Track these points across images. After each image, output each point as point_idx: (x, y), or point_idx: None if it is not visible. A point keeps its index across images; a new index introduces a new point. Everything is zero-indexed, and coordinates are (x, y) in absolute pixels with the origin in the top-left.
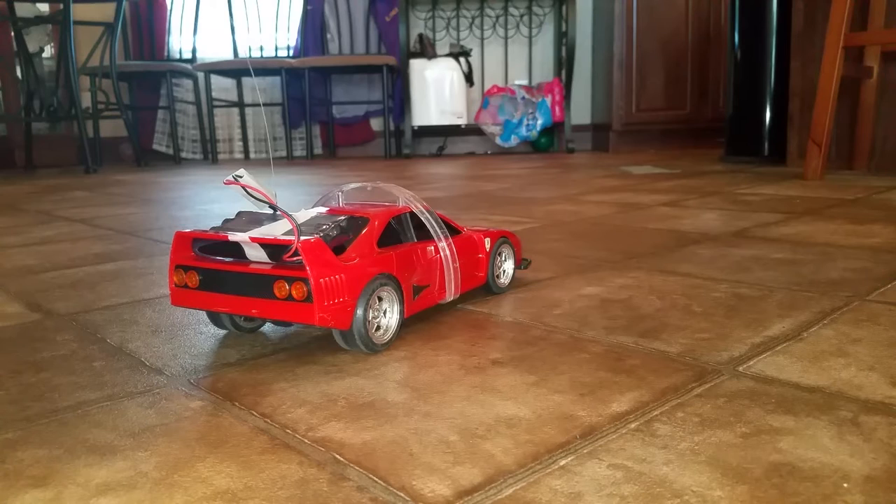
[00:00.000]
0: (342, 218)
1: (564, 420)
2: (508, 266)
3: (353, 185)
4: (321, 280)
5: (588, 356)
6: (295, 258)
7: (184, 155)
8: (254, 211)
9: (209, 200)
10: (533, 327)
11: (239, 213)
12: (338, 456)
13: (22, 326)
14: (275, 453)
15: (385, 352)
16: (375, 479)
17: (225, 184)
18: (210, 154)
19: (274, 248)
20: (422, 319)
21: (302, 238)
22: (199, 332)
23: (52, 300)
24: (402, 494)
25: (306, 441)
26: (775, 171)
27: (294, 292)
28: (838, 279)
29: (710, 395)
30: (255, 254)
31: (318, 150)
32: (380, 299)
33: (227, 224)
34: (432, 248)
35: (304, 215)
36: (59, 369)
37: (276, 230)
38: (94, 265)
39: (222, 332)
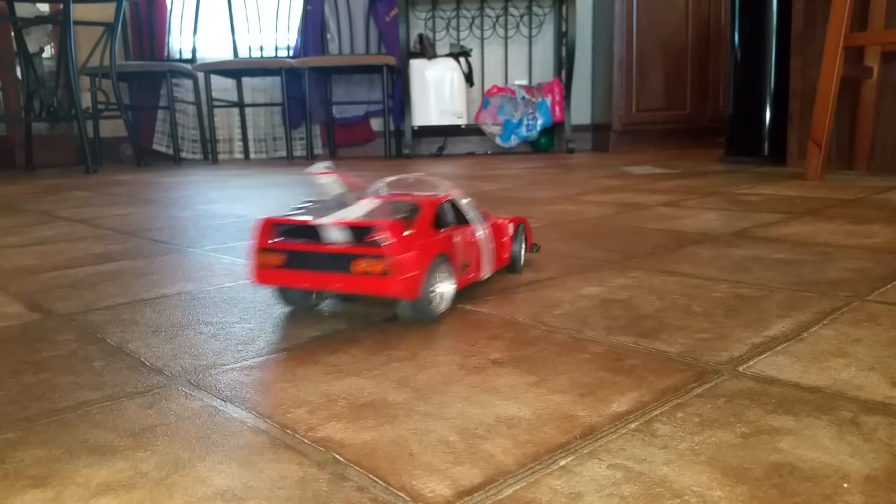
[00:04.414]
0: (407, 203)
1: (564, 420)
2: (523, 249)
3: (398, 177)
4: (398, 257)
5: (588, 356)
6: (375, 238)
7: (184, 155)
8: (316, 200)
9: (209, 201)
10: (533, 327)
11: (303, 203)
12: (338, 456)
13: (22, 326)
14: (275, 453)
15: (384, 352)
16: (375, 479)
17: (309, 174)
18: (210, 154)
19: (353, 231)
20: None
21: (383, 221)
22: (199, 333)
23: (51, 300)
24: (402, 494)
25: (306, 441)
26: (775, 171)
27: (374, 268)
28: (838, 279)
29: (710, 395)
30: (336, 236)
31: (318, 150)
32: (439, 274)
33: (300, 211)
34: (470, 231)
35: (370, 203)
36: (59, 369)
37: (350, 215)
38: (94, 265)
39: (221, 332)
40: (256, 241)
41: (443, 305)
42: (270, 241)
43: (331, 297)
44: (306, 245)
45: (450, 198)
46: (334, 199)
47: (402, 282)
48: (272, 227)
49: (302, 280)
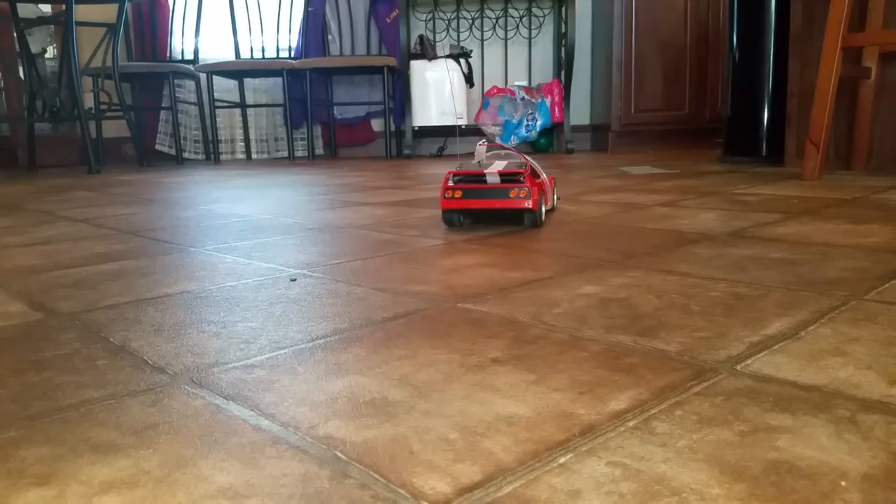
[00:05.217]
0: (519, 161)
1: (564, 418)
2: (555, 196)
3: (495, 152)
4: (531, 188)
5: (587, 355)
6: (519, 178)
7: (186, 155)
8: (465, 163)
9: (211, 200)
10: (532, 326)
11: (461, 164)
12: (339, 454)
13: (25, 326)
14: (276, 451)
15: (385, 350)
16: (377, 476)
17: (480, 145)
18: (212, 154)
19: (503, 175)
20: (423, 318)
21: (522, 169)
22: (202, 331)
23: (54, 299)
24: (402, 492)
25: (308, 439)
26: (773, 171)
27: (521, 194)
28: (836, 279)
29: (708, 393)
30: (494, 179)
31: (319, 151)
32: (542, 200)
33: (466, 167)
34: (544, 179)
35: (505, 160)
36: (62, 368)
37: (500, 167)
38: (97, 265)
39: (224, 331)
40: (444, 184)
41: (542, 219)
42: (453, 183)
43: (466, 223)
44: (476, 184)
45: (530, 161)
46: (478, 160)
47: (532, 201)
48: (451, 175)
49: (475, 204)
